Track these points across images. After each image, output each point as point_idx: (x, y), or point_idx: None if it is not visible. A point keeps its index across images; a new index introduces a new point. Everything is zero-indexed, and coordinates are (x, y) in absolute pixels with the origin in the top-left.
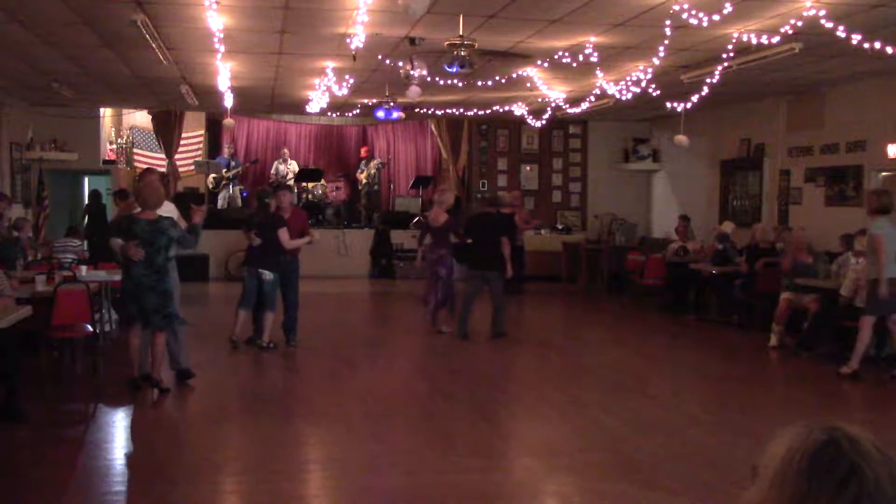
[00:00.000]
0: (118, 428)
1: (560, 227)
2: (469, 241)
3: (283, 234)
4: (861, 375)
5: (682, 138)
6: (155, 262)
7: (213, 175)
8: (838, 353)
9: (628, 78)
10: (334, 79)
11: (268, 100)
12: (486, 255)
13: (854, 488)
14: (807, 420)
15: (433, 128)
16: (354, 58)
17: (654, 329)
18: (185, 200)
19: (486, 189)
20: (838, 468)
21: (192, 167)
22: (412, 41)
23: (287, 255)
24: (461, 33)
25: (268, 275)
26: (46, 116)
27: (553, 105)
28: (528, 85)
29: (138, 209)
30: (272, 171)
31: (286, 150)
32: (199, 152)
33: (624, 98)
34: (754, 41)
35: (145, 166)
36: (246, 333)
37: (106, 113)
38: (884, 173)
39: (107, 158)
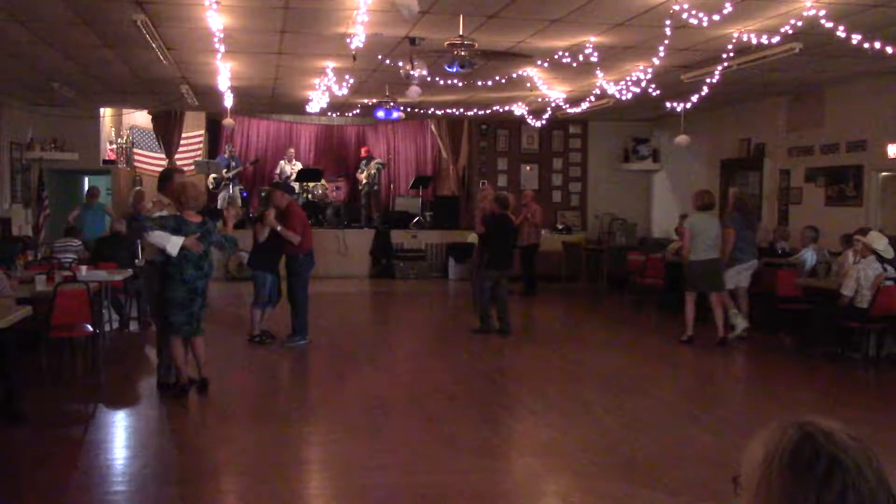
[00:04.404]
0: (118, 428)
1: (560, 227)
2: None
3: (257, 228)
4: (693, 342)
5: (682, 138)
6: (204, 265)
7: (213, 175)
8: (839, 353)
9: (628, 78)
10: (334, 79)
11: (268, 100)
12: (503, 254)
13: (839, 480)
14: (778, 420)
15: (433, 128)
16: (354, 58)
17: (654, 329)
18: None
19: (484, 188)
20: (819, 463)
21: (193, 167)
22: (412, 41)
23: (287, 254)
24: (461, 33)
25: (257, 273)
26: (46, 116)
27: (553, 105)
28: (528, 85)
29: (150, 209)
30: (277, 171)
31: (292, 150)
32: (199, 152)
33: (624, 98)
34: (754, 41)
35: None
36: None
37: (106, 113)
38: (884, 173)
39: (107, 158)
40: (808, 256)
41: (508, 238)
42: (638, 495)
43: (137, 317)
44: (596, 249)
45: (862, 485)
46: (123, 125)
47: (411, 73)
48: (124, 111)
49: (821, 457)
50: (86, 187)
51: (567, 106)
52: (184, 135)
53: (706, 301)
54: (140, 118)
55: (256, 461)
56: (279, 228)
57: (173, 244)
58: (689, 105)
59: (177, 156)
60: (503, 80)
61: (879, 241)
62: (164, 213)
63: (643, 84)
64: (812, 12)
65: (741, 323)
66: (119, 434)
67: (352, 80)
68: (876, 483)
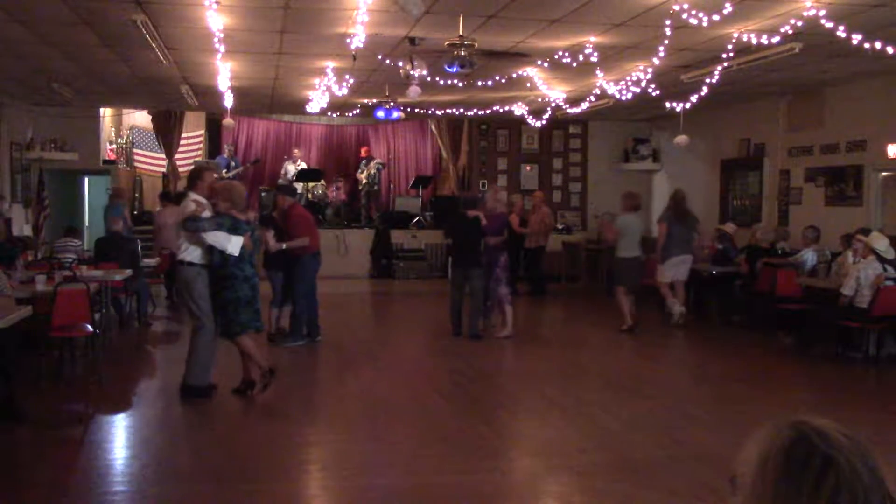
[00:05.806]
0: (118, 428)
1: (560, 227)
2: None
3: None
4: (636, 331)
5: (682, 138)
6: (254, 261)
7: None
8: (839, 353)
9: (628, 78)
10: (334, 79)
11: (268, 100)
12: (464, 253)
13: (832, 479)
14: (773, 420)
15: (433, 128)
16: (354, 58)
17: (654, 329)
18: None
19: (485, 188)
20: (813, 462)
21: (193, 167)
22: (412, 41)
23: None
24: (461, 33)
25: (271, 273)
26: (46, 116)
27: (553, 105)
28: (528, 85)
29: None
30: (282, 172)
31: (297, 151)
32: (199, 152)
33: (624, 98)
34: (754, 41)
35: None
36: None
37: (106, 113)
38: (884, 173)
39: (107, 158)
40: (809, 257)
41: (469, 236)
42: (638, 495)
43: (137, 317)
44: (596, 249)
45: (856, 484)
46: (123, 125)
47: (411, 72)
48: (124, 111)
49: (814, 456)
50: (86, 187)
51: (567, 106)
52: (184, 135)
53: (701, 301)
54: (140, 118)
55: (256, 461)
56: (284, 247)
57: (234, 244)
58: (688, 105)
59: (177, 156)
60: (503, 80)
61: (880, 242)
62: (207, 213)
63: (643, 84)
64: (812, 12)
65: (678, 309)
66: (119, 434)
67: (352, 80)
68: (870, 481)
